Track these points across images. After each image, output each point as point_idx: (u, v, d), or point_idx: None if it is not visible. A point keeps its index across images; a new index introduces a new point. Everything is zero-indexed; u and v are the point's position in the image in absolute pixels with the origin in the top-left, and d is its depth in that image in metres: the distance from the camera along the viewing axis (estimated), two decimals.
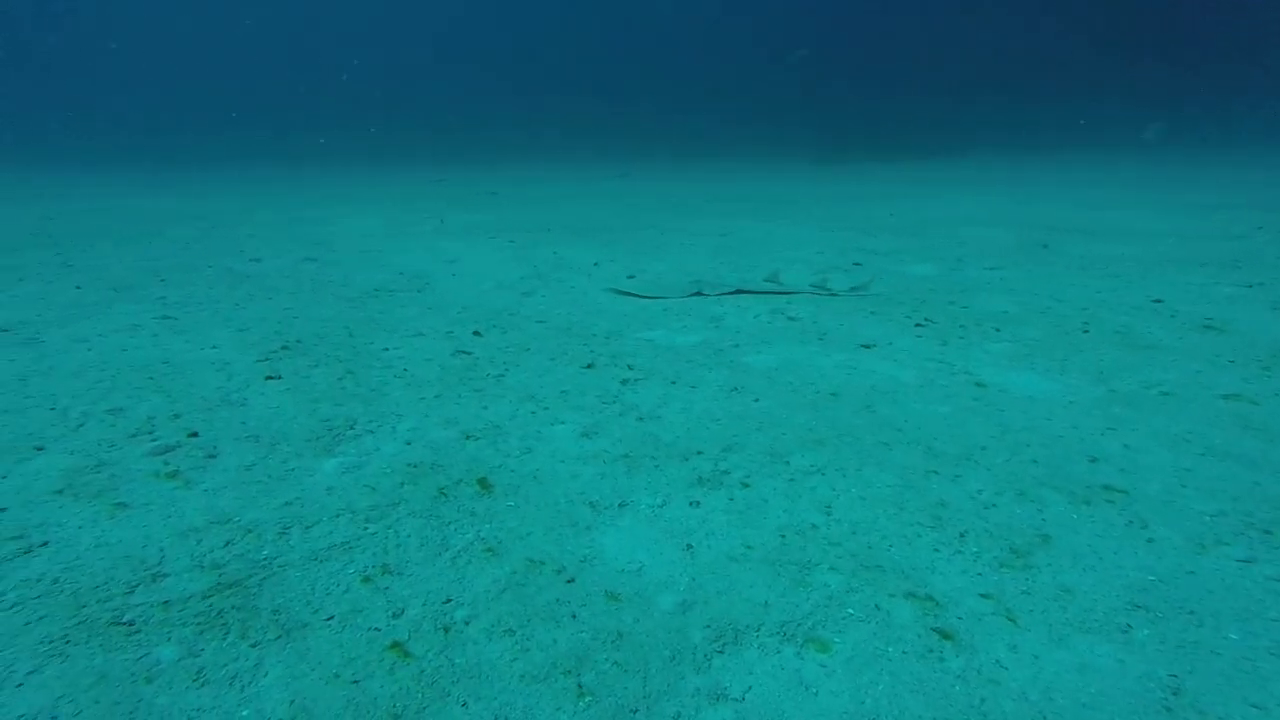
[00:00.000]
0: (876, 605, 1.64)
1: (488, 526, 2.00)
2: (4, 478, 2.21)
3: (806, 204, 9.95)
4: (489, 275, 5.37)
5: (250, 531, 1.94)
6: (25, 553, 1.83)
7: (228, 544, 1.88)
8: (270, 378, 3.11)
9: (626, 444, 2.51)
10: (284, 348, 3.54)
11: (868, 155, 20.21)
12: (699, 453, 2.45)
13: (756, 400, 2.93)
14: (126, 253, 6.23)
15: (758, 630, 1.58)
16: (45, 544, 1.87)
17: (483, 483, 2.22)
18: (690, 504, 2.12)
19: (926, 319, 4.05)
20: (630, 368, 3.32)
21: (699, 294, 4.69)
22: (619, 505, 2.11)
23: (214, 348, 3.56)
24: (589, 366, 3.33)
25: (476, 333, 3.84)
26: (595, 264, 5.76)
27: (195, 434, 2.53)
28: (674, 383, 3.13)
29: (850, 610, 1.63)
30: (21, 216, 8.57)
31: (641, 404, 2.88)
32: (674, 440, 2.55)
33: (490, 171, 16.71)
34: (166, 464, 2.30)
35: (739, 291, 4.75)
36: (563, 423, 2.69)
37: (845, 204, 9.86)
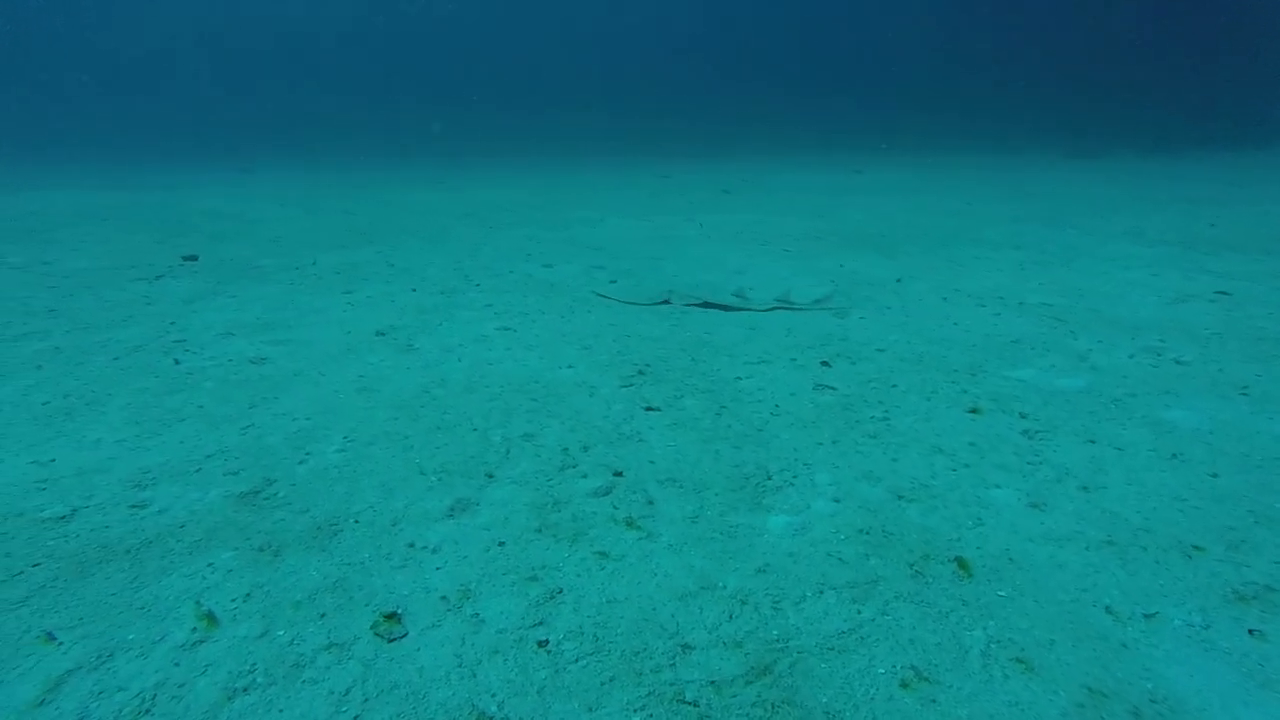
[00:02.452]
0: None
1: (994, 624, 1.79)
2: (477, 504, 2.33)
3: (1091, 208, 8.84)
4: (786, 289, 5.19)
5: (744, 603, 1.87)
6: (550, 599, 1.87)
7: (731, 617, 1.82)
8: (650, 409, 3.11)
9: (1093, 524, 2.19)
10: (640, 373, 3.56)
11: (1125, 147, 17.83)
12: (1197, 548, 2.08)
13: (1214, 476, 2.49)
14: (432, 253, 6.77)
15: None
16: (560, 591, 1.91)
17: (960, 564, 2.01)
18: (1249, 632, 1.76)
19: None
20: (1023, 416, 2.97)
21: (666, 303, 4.83)
22: (1145, 617, 1.81)
23: (570, 367, 3.66)
24: (974, 411, 3.02)
25: (824, 363, 3.66)
26: (897, 280, 5.40)
27: (620, 474, 2.55)
28: (1092, 441, 2.74)
29: None
30: (331, 209, 9.66)
31: (1072, 467, 2.54)
32: (1147, 524, 2.19)
33: (713, 166, 16.67)
34: (615, 508, 2.32)
35: (706, 305, 4.78)
36: (998, 486, 2.42)
37: (1142, 209, 8.65)
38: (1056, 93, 27.89)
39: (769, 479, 2.51)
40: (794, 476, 2.52)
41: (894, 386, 3.32)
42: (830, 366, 3.61)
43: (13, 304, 4.89)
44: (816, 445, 2.76)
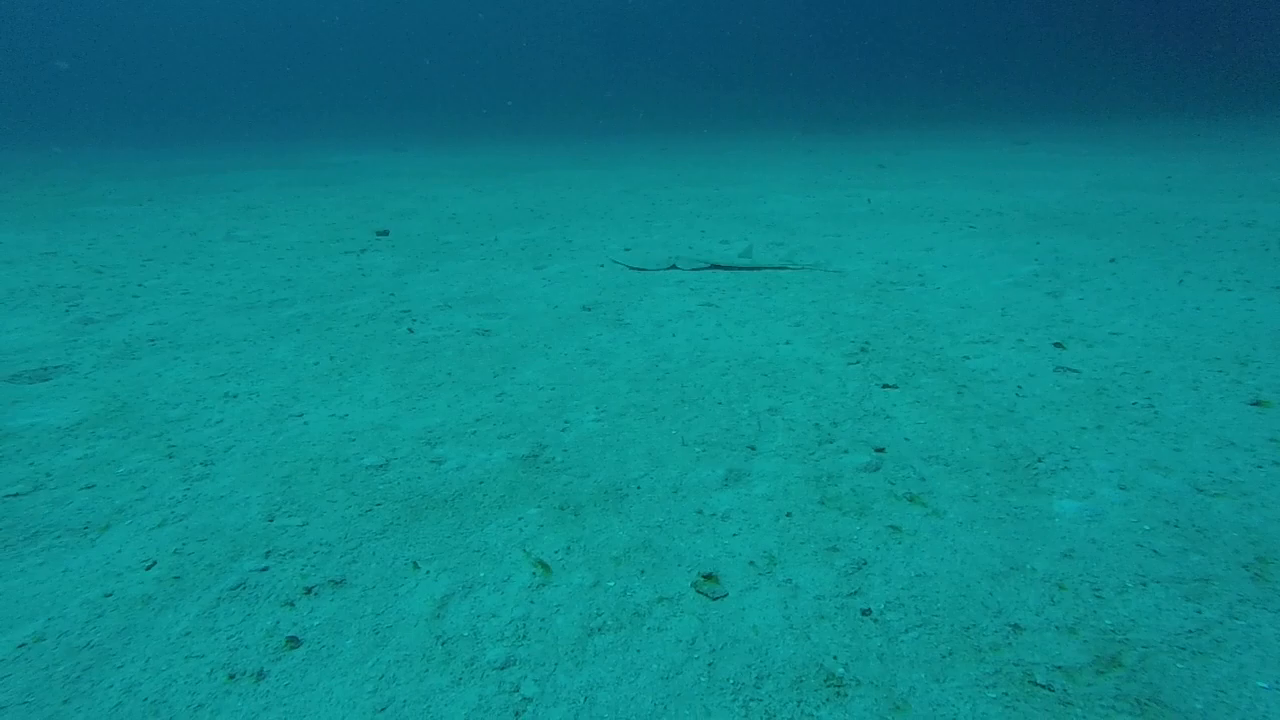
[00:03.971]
0: None
1: None
2: (749, 475, 2.38)
3: None
4: (986, 269, 4.96)
5: (1062, 588, 1.82)
6: (857, 570, 1.90)
7: (1053, 600, 1.77)
8: (886, 386, 3.07)
9: None
10: (862, 350, 3.52)
11: None
12: None
13: None
14: (605, 230, 6.93)
15: None
16: (865, 563, 1.93)
17: None
18: None
19: None
20: None
21: (674, 267, 5.34)
22: None
23: (788, 343, 3.66)
24: (1259, 404, 2.79)
25: (1057, 344, 3.47)
26: (1111, 260, 5.03)
27: (881, 450, 2.53)
28: None
29: None
30: (495, 188, 10.11)
31: None
32: None
33: (859, 140, 16.09)
34: (891, 484, 2.31)
35: (714, 267, 5.28)
36: None
37: None
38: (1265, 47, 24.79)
39: (1039, 461, 2.42)
40: (1066, 461, 2.42)
41: (1148, 373, 3.11)
42: (1064, 349, 3.43)
43: (255, 273, 5.45)
44: (1079, 430, 2.63)
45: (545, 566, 1.92)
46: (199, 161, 15.79)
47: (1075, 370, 3.17)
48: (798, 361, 3.40)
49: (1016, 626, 1.69)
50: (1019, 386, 3.03)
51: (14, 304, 4.60)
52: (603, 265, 5.54)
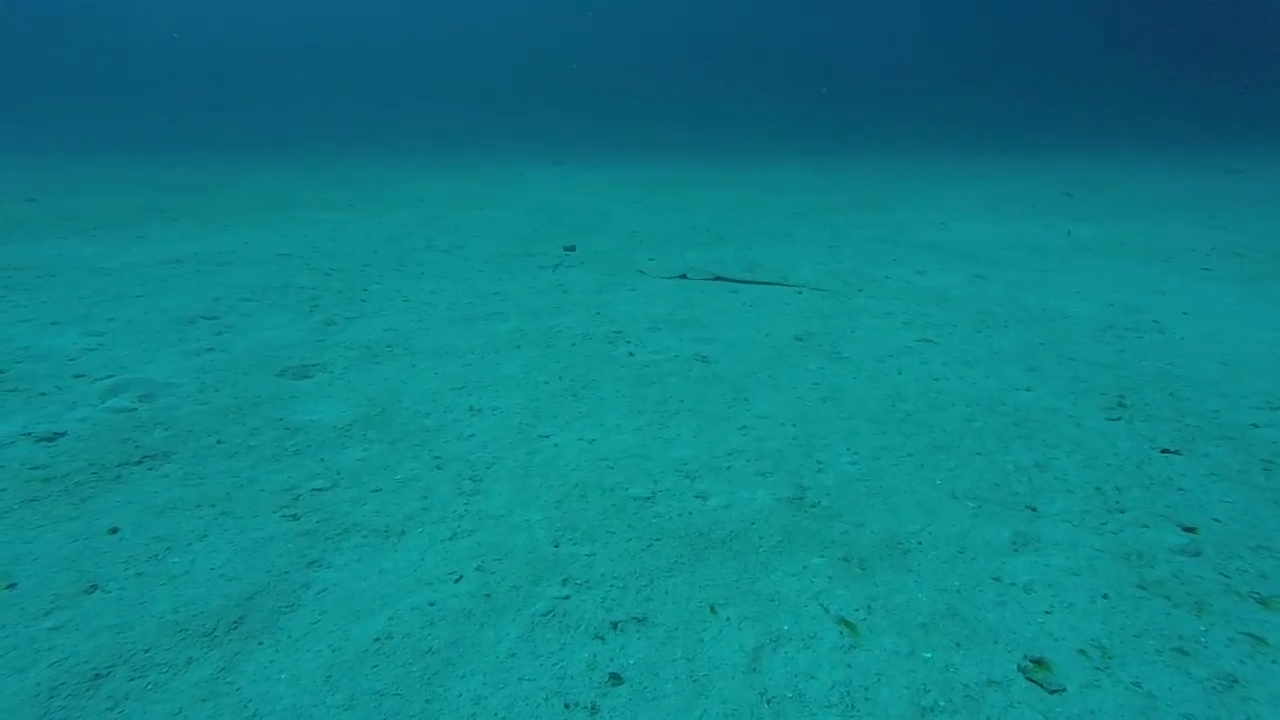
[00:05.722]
0: None
1: None
2: (1039, 541, 2.21)
3: None
4: (1245, 320, 4.44)
5: None
6: (1228, 688, 1.69)
7: None
8: (1166, 451, 2.78)
9: None
10: (1120, 404, 3.22)
11: None
12: None
13: None
14: (789, 255, 6.82)
15: None
16: (1235, 681, 1.72)
17: None
18: None
19: None
20: None
21: (684, 276, 5.80)
22: None
23: (1028, 390, 3.42)
24: None
25: None
26: None
27: (1191, 530, 2.27)
28: None
29: None
30: (665, 205, 10.25)
31: None
32: None
33: (1034, 163, 15.06)
34: (1225, 577, 2.06)
35: (718, 278, 5.69)
36: None
37: None
38: None
39: None
40: None
41: None
42: None
43: (463, 284, 5.76)
44: None
45: (851, 626, 1.85)
46: (380, 171, 17.03)
47: None
48: (1046, 411, 3.16)
49: None
50: None
51: (269, 302, 5.10)
52: (800, 292, 5.44)
